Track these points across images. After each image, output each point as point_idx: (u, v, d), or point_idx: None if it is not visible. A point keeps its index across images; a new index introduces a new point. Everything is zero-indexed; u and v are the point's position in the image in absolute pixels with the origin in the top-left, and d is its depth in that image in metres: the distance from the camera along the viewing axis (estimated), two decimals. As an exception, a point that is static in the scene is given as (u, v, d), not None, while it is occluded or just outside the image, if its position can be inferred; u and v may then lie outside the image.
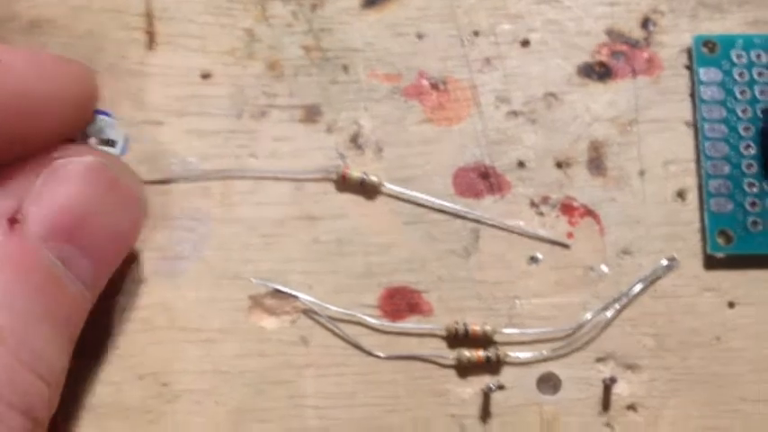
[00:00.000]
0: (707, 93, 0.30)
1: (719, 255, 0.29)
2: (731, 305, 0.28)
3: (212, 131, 0.30)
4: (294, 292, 0.28)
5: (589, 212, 0.29)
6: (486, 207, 0.29)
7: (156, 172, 0.29)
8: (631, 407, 0.28)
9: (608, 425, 0.28)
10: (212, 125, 0.30)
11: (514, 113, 0.30)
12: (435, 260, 0.29)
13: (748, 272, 0.29)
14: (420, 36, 0.31)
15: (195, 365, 0.28)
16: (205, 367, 0.28)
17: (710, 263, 0.29)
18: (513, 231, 0.29)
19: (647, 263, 0.29)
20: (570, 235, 0.29)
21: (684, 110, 0.30)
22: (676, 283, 0.29)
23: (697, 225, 0.29)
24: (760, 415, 0.28)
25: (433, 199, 0.29)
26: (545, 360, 0.28)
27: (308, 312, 0.28)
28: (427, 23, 0.31)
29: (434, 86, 0.30)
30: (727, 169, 0.29)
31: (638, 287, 0.29)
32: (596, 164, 0.30)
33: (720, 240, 0.29)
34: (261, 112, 0.30)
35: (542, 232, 0.29)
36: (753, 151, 0.29)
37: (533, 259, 0.29)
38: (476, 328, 0.28)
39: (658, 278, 0.29)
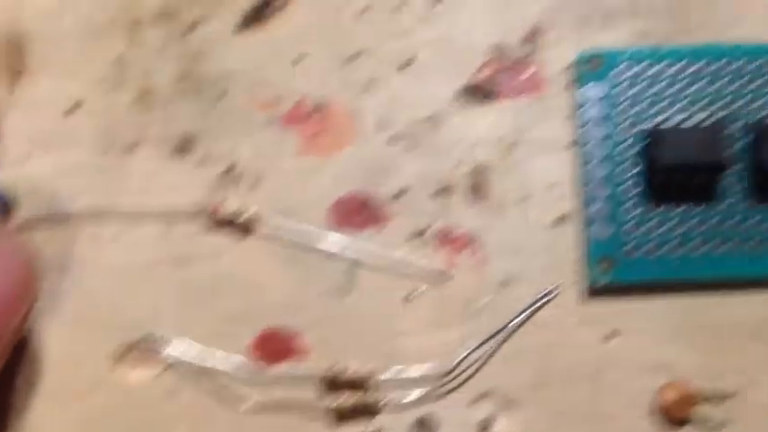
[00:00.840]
0: (589, 111, 0.29)
1: (600, 283, 0.28)
2: (612, 336, 0.28)
3: (79, 166, 0.28)
4: (164, 341, 0.27)
5: (470, 242, 0.29)
6: (366, 239, 0.29)
7: (20, 211, 0.28)
8: (511, 445, 0.27)
9: (486, 464, 0.27)
10: (80, 159, 0.29)
11: (395, 139, 0.29)
12: (312, 299, 0.28)
13: (630, 300, 0.28)
14: (299, 58, 0.29)
15: (59, 424, 0.27)
16: (69, 427, 0.27)
17: (591, 292, 0.28)
18: (391, 266, 0.28)
19: (528, 294, 0.28)
20: (451, 266, 0.28)
21: (567, 129, 0.29)
22: (556, 314, 0.28)
23: (578, 252, 0.28)
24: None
25: (311, 233, 0.28)
26: (424, 402, 0.27)
27: (178, 363, 0.27)
28: (307, 44, 0.29)
29: (314, 112, 0.29)
30: (607, 192, 0.28)
31: (517, 320, 0.28)
32: (478, 190, 0.29)
33: (600, 268, 0.28)
34: (131, 145, 0.29)
35: (422, 265, 0.28)
36: (635, 171, 0.28)
37: (413, 294, 0.28)
38: (353, 370, 0.27)
39: (538, 310, 0.28)
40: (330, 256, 0.29)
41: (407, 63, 0.30)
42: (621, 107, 0.29)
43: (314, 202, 0.29)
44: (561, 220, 0.29)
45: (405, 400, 0.28)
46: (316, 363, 0.28)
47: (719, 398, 0.27)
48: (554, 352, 0.28)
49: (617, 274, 0.28)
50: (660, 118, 0.29)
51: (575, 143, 0.29)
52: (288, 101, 0.30)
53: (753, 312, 0.28)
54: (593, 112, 0.29)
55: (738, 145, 0.28)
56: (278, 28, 0.30)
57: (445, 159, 0.29)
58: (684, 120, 0.28)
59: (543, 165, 0.29)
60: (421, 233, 0.29)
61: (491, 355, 0.28)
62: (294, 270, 0.28)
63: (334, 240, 0.29)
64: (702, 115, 0.28)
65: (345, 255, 0.28)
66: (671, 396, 0.27)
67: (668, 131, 0.28)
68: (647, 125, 0.28)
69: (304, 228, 0.29)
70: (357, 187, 0.29)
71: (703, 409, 0.27)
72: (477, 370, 0.28)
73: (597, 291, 0.28)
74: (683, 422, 0.28)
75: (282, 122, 0.29)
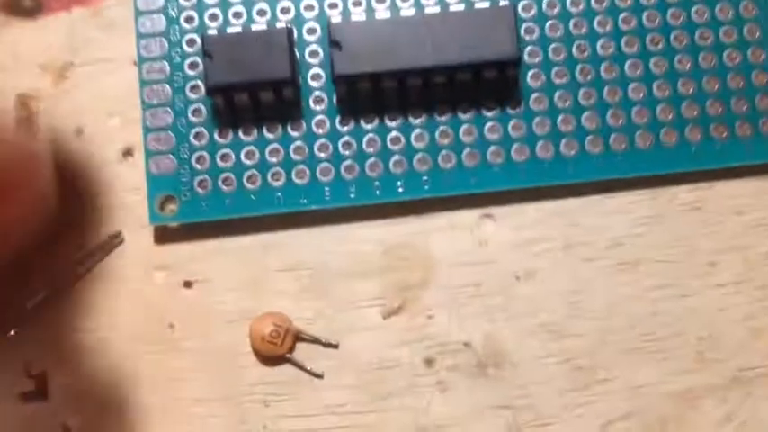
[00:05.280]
0: (146, 24, 0.24)
1: (171, 225, 0.23)
2: (187, 285, 0.23)
3: None
4: None
5: None
6: None
7: None
8: None
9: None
10: None
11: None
12: None
13: (203, 242, 0.24)
14: None
15: None
16: None
17: (160, 236, 0.24)
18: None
19: (89, 240, 0.23)
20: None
21: (130, 46, 0.24)
22: (123, 264, 0.23)
23: (145, 190, 0.24)
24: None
25: None
26: None
27: None
28: None
29: None
30: (169, 119, 0.23)
31: (79, 271, 0.23)
32: (26, 124, 0.24)
33: (165, 208, 0.23)
34: None
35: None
36: (201, 94, 0.23)
37: None
38: None
39: (100, 260, 0.23)
40: None
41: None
42: (185, 15, 0.25)
43: None
44: (127, 153, 0.24)
45: None
46: None
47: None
48: (124, 308, 0.24)
49: (182, 215, 0.24)
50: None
51: (137, 61, 0.25)
52: None
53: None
54: (149, 23, 0.24)
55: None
56: None
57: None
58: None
59: (103, 89, 0.24)
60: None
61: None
62: None
63: None
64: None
65: None
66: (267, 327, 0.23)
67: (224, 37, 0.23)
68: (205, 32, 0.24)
69: None
70: None
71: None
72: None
73: (167, 234, 0.24)
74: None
75: None
